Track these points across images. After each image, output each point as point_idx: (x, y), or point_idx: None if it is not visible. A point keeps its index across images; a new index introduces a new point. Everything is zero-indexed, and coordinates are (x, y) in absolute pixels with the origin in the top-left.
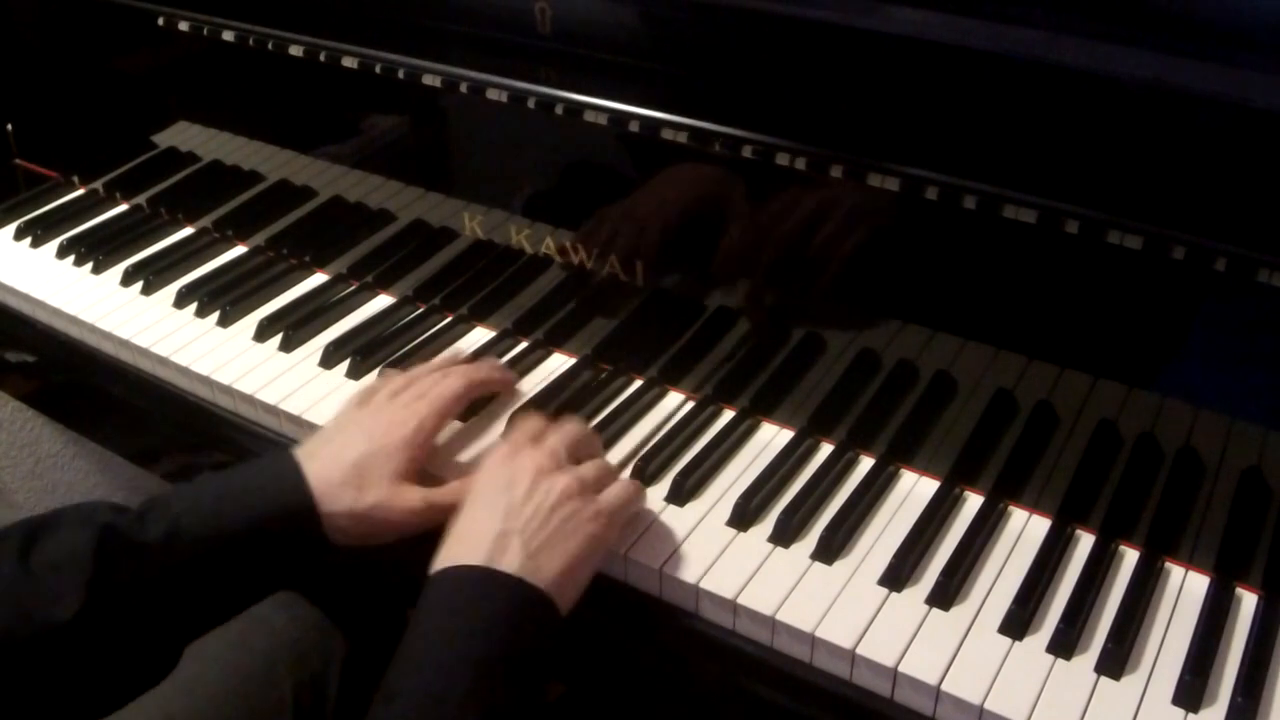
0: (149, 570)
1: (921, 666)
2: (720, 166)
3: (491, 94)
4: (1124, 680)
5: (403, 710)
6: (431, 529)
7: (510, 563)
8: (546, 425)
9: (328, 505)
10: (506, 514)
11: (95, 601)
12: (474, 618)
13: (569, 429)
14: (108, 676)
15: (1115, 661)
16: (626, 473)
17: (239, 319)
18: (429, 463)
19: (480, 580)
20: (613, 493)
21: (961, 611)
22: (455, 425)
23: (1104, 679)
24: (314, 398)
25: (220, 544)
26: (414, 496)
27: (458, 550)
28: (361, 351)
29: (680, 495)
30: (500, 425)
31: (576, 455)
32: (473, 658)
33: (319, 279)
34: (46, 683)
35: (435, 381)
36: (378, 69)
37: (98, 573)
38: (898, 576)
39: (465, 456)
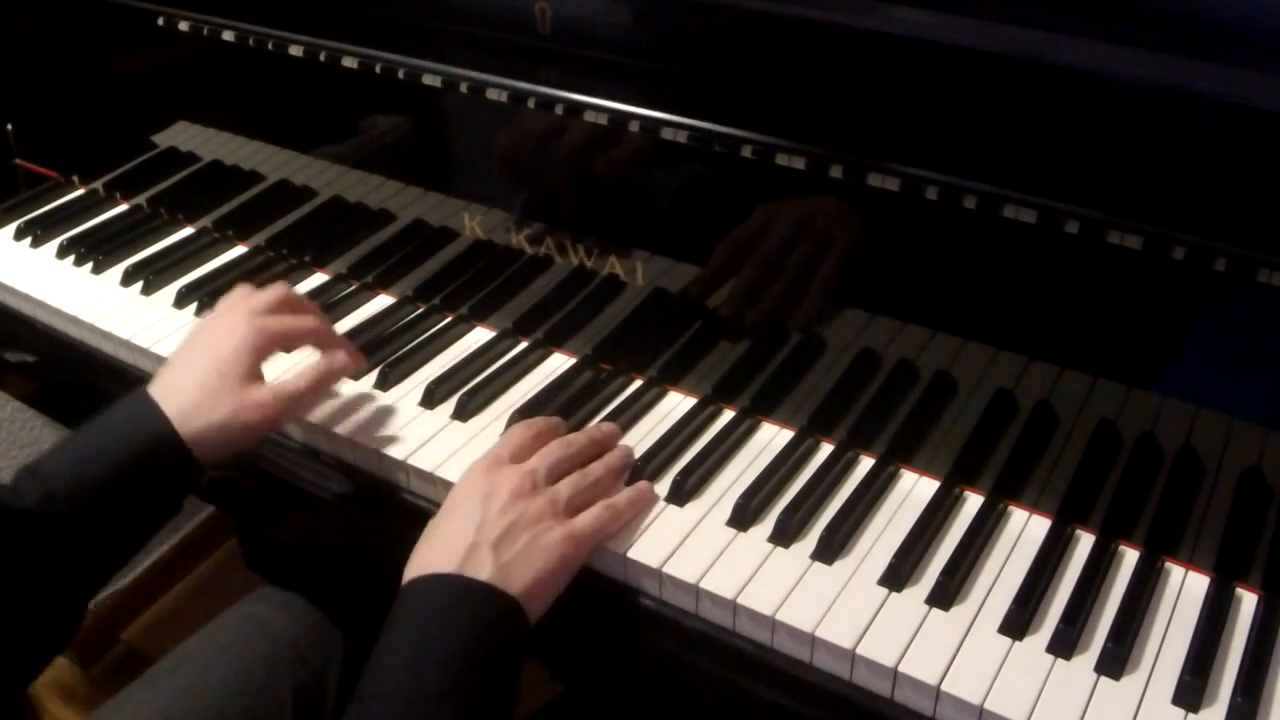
0: (33, 536)
1: (921, 666)
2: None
3: (491, 94)
4: (1124, 680)
5: (375, 710)
6: (287, 420)
7: (481, 572)
8: (535, 439)
9: (188, 427)
10: (480, 526)
11: None
12: (444, 621)
13: (551, 450)
14: (15, 644)
15: (1115, 661)
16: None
17: None
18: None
19: (451, 586)
20: (586, 518)
21: (961, 611)
22: (455, 424)
23: (1104, 679)
24: None
25: (94, 493)
26: (263, 393)
27: (430, 558)
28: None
29: (680, 495)
30: (499, 425)
31: (556, 475)
32: (443, 659)
33: (319, 279)
34: None
35: (280, 301)
36: (378, 69)
37: None
38: (898, 576)
39: (463, 455)
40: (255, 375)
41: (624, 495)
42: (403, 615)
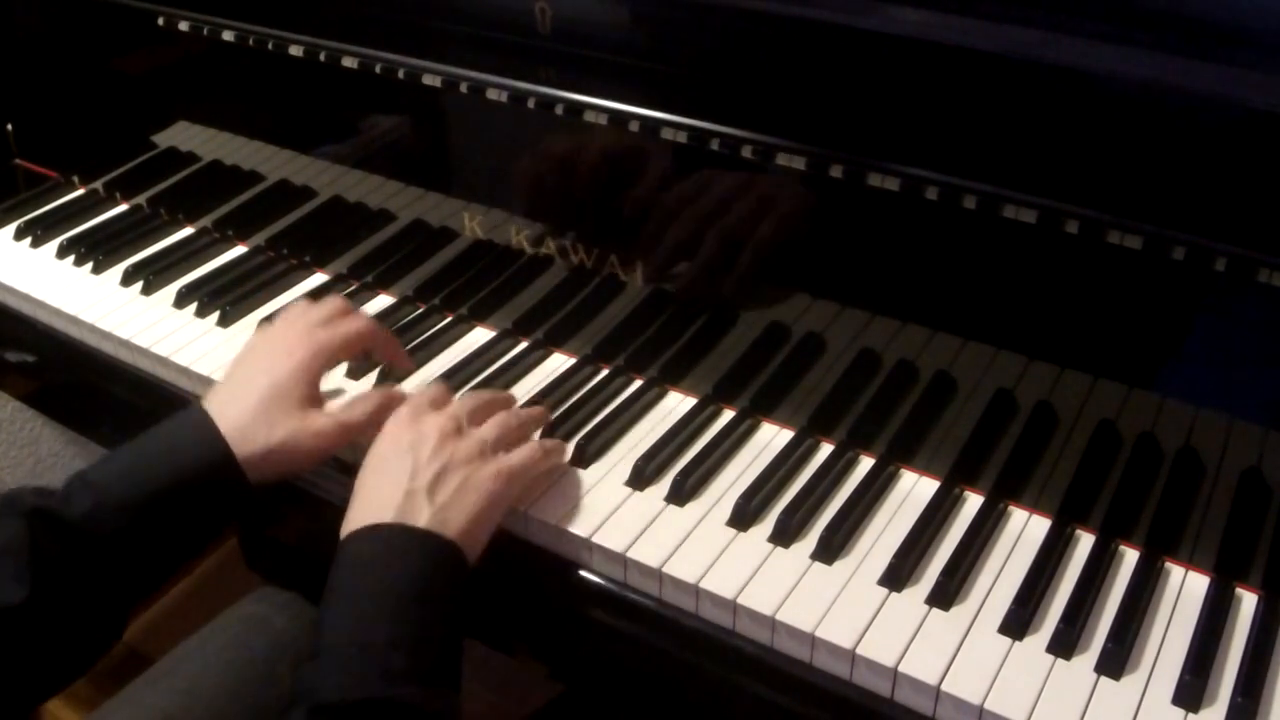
0: (82, 546)
1: (921, 666)
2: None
3: (491, 94)
4: (1124, 680)
5: (332, 663)
6: (345, 448)
7: (419, 518)
8: (448, 393)
9: (243, 448)
10: (413, 474)
11: (38, 585)
12: (389, 570)
13: (469, 398)
14: (58, 652)
15: (1115, 661)
16: (625, 472)
17: (239, 319)
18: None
19: (392, 535)
20: (516, 455)
21: (961, 611)
22: None
23: (1104, 679)
24: None
25: (145, 509)
26: (324, 422)
27: (368, 511)
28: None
29: (680, 495)
30: None
31: (478, 420)
32: (391, 607)
33: (319, 279)
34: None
35: (337, 313)
36: (378, 69)
37: (34, 558)
38: (898, 576)
39: None
40: (314, 399)
41: (551, 441)
42: (347, 569)
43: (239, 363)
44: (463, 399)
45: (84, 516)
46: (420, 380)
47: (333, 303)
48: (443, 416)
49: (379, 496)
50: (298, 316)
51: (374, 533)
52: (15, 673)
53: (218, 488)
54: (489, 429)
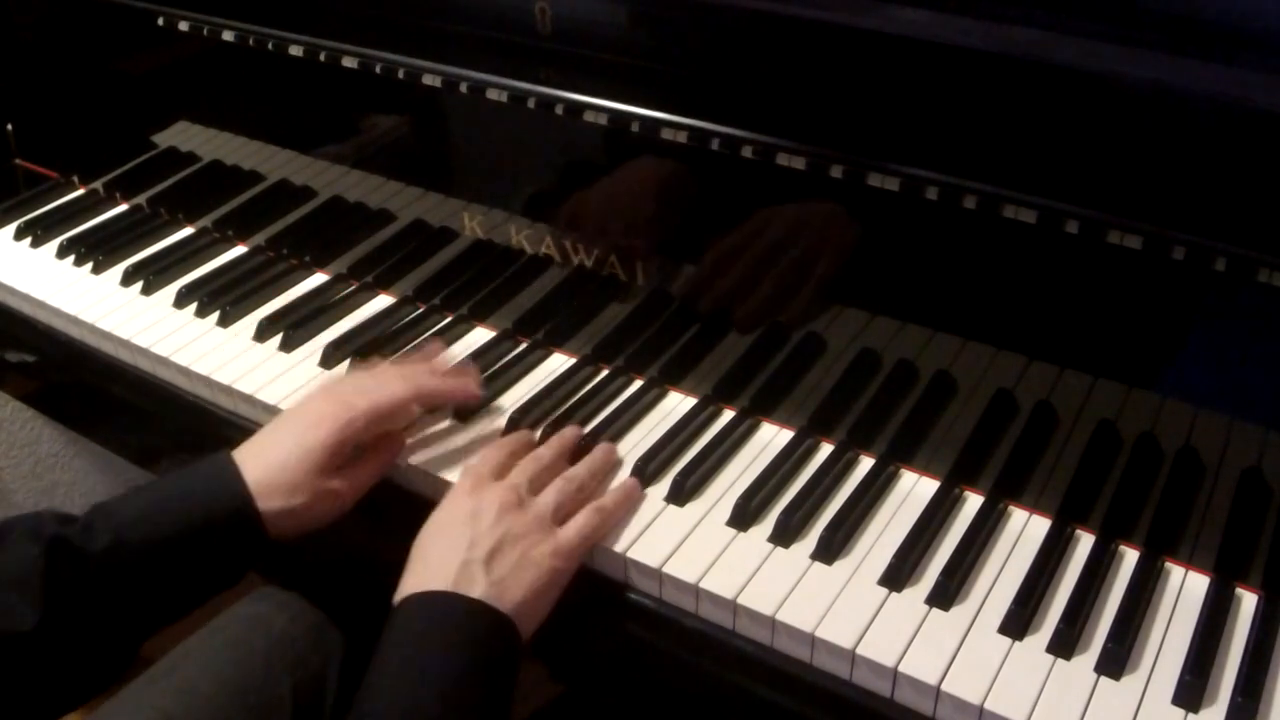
0: (98, 580)
1: (921, 666)
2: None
3: (491, 94)
4: (1124, 680)
5: None
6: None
7: (475, 589)
8: (510, 457)
9: (264, 504)
10: (471, 544)
11: (50, 614)
12: (441, 639)
13: (528, 464)
14: (66, 680)
15: (1115, 661)
16: (625, 472)
17: (239, 319)
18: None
19: (447, 604)
20: (572, 528)
21: (961, 611)
22: (456, 424)
23: (1104, 679)
24: None
25: (164, 550)
26: (337, 484)
27: (424, 578)
28: (362, 351)
29: (680, 495)
30: (500, 425)
31: (538, 486)
32: (439, 678)
33: (319, 279)
34: (5, 690)
35: (382, 382)
36: (378, 69)
37: (49, 587)
38: (898, 576)
39: (464, 457)
40: (335, 467)
41: (610, 496)
42: (398, 634)
43: (277, 422)
44: (524, 464)
45: (103, 551)
46: None
47: (383, 370)
48: (503, 487)
49: (435, 564)
50: (342, 382)
51: (427, 600)
52: (23, 697)
53: (237, 536)
54: (550, 497)
